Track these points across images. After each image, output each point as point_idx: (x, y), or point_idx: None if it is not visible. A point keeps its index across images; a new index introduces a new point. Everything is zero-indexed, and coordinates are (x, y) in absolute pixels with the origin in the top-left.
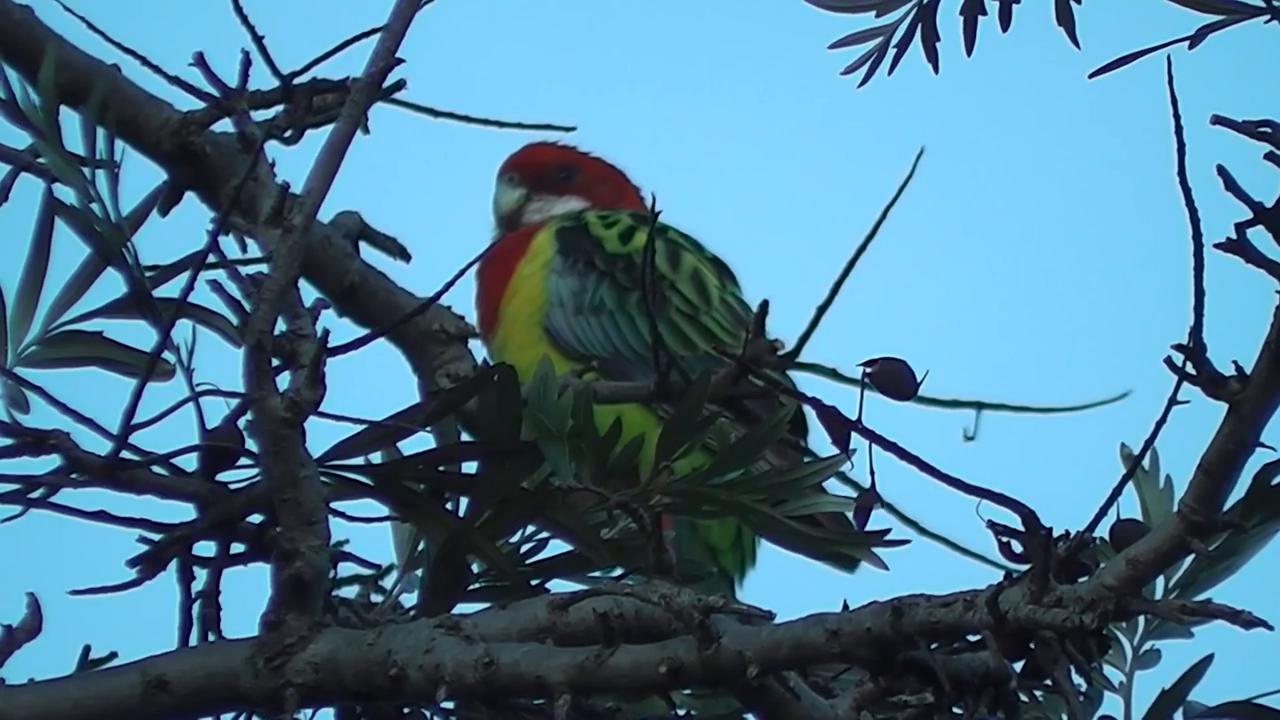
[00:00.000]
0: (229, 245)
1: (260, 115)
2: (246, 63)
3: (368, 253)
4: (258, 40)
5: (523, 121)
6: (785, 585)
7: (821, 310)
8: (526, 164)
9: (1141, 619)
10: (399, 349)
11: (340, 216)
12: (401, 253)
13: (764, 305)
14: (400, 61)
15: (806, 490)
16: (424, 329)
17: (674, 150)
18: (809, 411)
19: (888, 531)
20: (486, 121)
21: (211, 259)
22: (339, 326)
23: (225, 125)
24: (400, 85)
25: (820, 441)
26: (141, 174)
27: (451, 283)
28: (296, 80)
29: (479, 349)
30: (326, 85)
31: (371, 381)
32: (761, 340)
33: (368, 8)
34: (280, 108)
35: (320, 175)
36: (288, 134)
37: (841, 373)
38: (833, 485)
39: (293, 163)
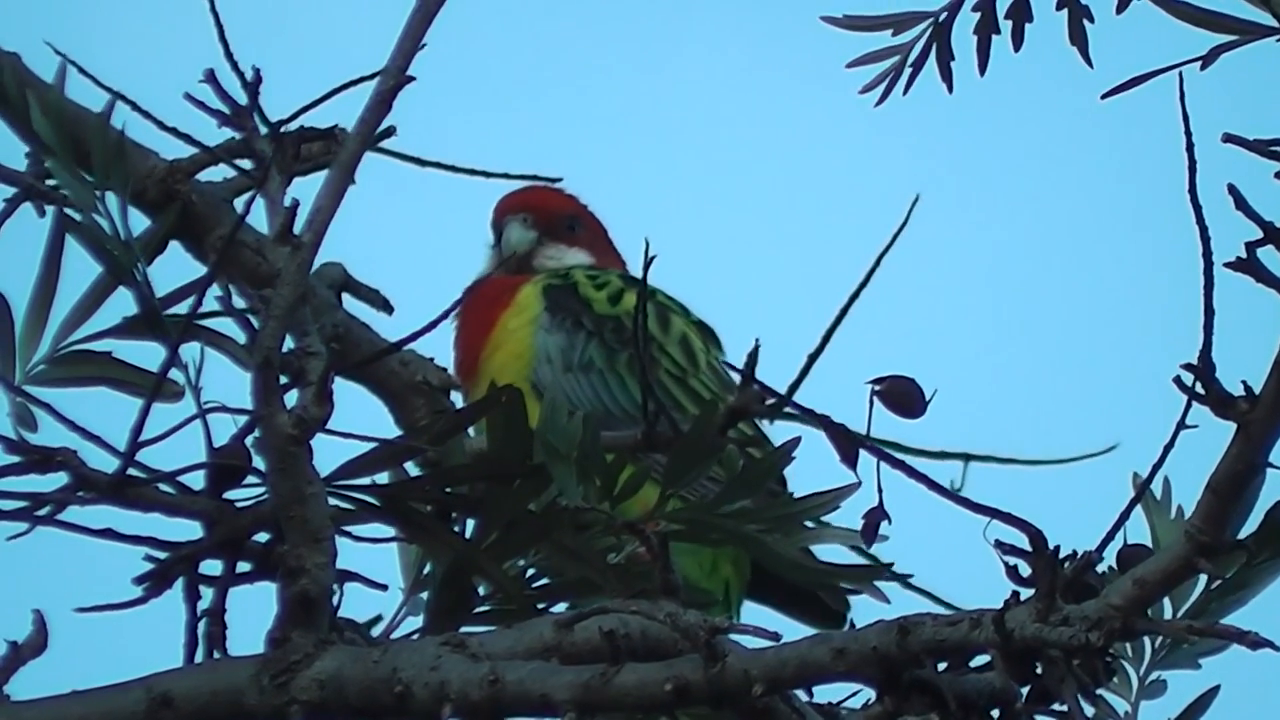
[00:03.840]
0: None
1: (244, 163)
2: (256, 81)
3: (351, 304)
4: (248, 88)
5: (509, 171)
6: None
7: (813, 358)
8: (539, 207)
9: (1148, 648)
10: (381, 400)
11: (323, 268)
12: (384, 305)
13: (754, 352)
14: (411, 79)
15: (799, 525)
16: (407, 381)
17: (689, 169)
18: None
19: (891, 564)
20: (472, 171)
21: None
22: None
23: (211, 174)
24: (389, 133)
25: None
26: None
27: (429, 327)
28: (284, 128)
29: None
30: (314, 133)
31: (376, 404)
32: (750, 390)
33: (355, 57)
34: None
35: (330, 194)
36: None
37: (833, 421)
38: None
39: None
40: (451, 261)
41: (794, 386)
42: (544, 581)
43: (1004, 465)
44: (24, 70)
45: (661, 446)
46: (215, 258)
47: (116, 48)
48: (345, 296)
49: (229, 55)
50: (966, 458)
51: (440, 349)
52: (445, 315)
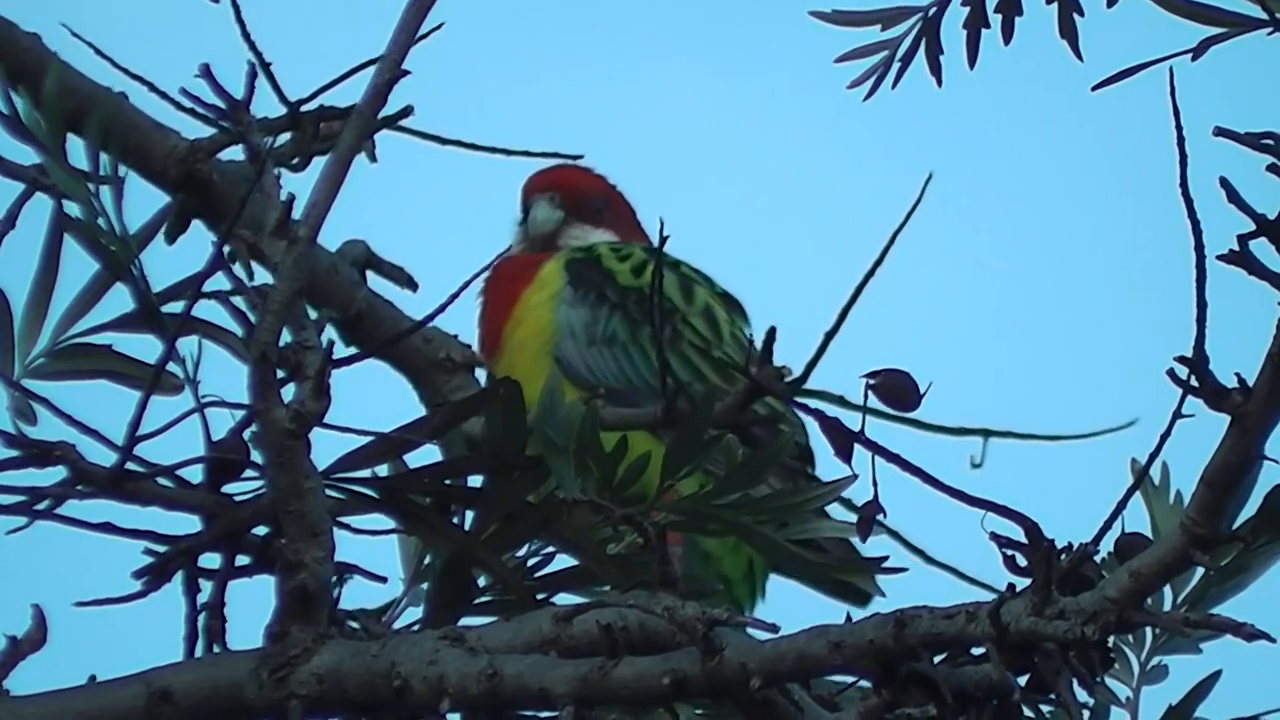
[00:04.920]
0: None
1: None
2: (253, 74)
3: (375, 281)
4: (264, 67)
5: (530, 149)
6: (790, 602)
7: (829, 337)
8: (566, 187)
9: (1149, 634)
10: (405, 377)
11: (347, 245)
12: (408, 282)
13: (771, 332)
14: (407, 73)
15: (810, 514)
16: (430, 357)
17: (679, 166)
18: (815, 435)
19: (886, 558)
20: (494, 149)
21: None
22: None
23: (233, 153)
24: (407, 112)
25: (829, 470)
26: (147, 201)
27: (448, 303)
28: (303, 108)
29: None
30: (333, 112)
31: (376, 397)
32: (769, 367)
33: (378, 33)
34: (287, 135)
35: (325, 187)
36: (294, 161)
37: (849, 400)
38: (836, 510)
39: (299, 189)
40: (475, 239)
41: (811, 363)
42: (544, 572)
43: (1022, 441)
44: (43, 50)
45: (681, 424)
46: (217, 248)
47: (133, 32)
48: (370, 274)
49: (247, 37)
50: (986, 434)
51: (465, 325)
52: (459, 292)
